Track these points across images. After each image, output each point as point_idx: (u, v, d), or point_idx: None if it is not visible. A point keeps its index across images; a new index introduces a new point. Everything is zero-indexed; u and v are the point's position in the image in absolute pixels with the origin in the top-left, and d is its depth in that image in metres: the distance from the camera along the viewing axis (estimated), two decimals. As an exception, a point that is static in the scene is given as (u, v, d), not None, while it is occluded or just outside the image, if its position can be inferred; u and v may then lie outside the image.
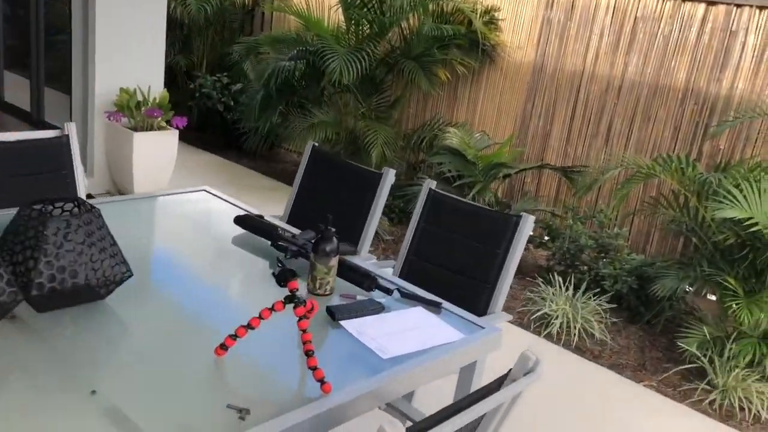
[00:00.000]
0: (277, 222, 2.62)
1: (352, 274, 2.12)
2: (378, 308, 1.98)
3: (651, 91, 4.70)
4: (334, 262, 2.03)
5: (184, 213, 2.64)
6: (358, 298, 2.05)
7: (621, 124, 4.84)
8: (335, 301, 2.03)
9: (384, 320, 1.95)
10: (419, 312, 2.03)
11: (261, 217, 2.55)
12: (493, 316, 2.39)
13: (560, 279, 4.07)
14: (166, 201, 2.74)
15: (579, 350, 3.68)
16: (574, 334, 3.73)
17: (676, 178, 3.83)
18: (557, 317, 3.77)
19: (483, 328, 1.98)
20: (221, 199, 2.82)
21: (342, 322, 1.89)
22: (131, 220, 2.48)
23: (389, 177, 2.77)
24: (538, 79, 5.21)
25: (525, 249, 4.86)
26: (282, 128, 5.66)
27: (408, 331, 1.90)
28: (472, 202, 2.56)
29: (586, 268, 4.28)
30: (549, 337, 3.76)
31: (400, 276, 2.66)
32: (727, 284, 3.40)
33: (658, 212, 4.19)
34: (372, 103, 5.51)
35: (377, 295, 2.08)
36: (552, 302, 3.86)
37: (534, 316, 3.88)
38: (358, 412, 1.60)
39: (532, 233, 5.06)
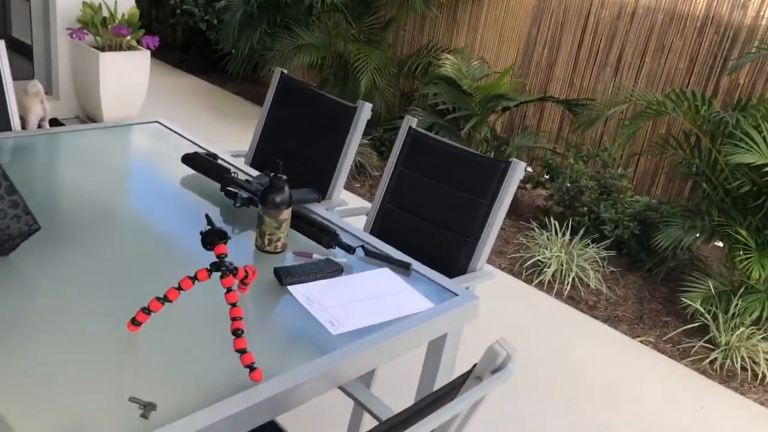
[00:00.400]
0: (234, 162, 2.32)
1: (309, 228, 1.83)
2: (336, 270, 1.70)
3: (667, 18, 4.28)
4: (285, 215, 1.74)
5: (129, 149, 2.33)
6: (315, 256, 1.77)
7: (632, 54, 4.44)
8: (288, 260, 1.75)
9: (341, 285, 1.67)
10: (385, 275, 1.75)
11: (214, 156, 2.24)
12: (474, 274, 2.12)
13: (556, 223, 3.79)
14: (111, 134, 2.43)
15: (572, 300, 3.43)
16: (568, 283, 3.48)
17: (688, 117, 3.48)
18: (551, 265, 3.51)
19: (457, 295, 1.71)
20: (176, 133, 2.50)
21: (290, 288, 1.61)
22: (64, 156, 2.17)
23: (364, 112, 2.44)
24: (544, 1, 4.76)
25: (521, 188, 4.58)
26: (266, 50, 5.25)
27: (368, 300, 1.62)
28: (456, 144, 2.24)
29: (585, 209, 3.99)
30: (541, 285, 3.50)
31: (374, 226, 2.37)
32: (738, 236, 3.11)
33: (667, 153, 3.85)
34: (363, 25, 5.09)
35: (338, 254, 1.80)
36: (546, 249, 3.59)
37: (527, 264, 3.61)
38: (299, 402, 1.34)
39: (530, 170, 4.76)
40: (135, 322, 1.36)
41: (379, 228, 2.36)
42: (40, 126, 4.03)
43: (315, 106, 2.57)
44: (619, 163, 4.39)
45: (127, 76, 4.31)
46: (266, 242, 1.75)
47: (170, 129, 2.52)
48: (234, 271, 1.38)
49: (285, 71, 2.69)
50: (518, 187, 4.47)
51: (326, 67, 5.03)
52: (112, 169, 2.14)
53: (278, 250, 1.76)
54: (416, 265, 1.81)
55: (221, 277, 1.35)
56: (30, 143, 2.25)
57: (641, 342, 3.17)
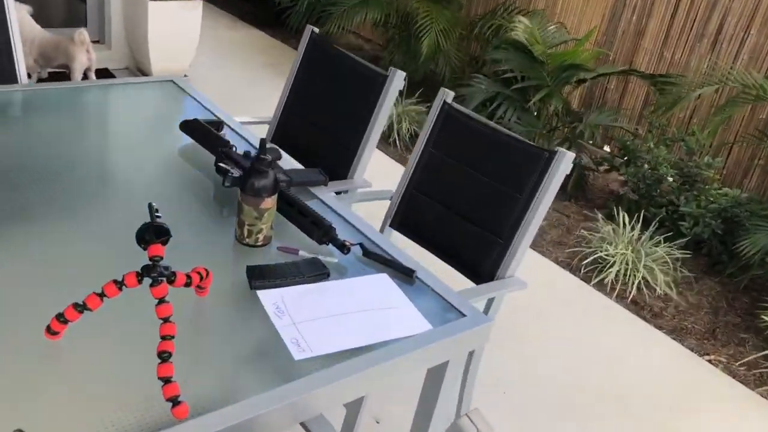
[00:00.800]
0: (243, 132, 2.06)
1: (301, 219, 1.55)
2: (321, 274, 1.42)
3: (781, -15, 3.69)
4: (268, 203, 1.46)
5: (133, 109, 2.10)
6: (302, 254, 1.50)
7: (735, 25, 3.87)
8: (270, 256, 1.48)
9: (324, 293, 1.39)
10: (381, 283, 1.46)
11: (218, 124, 1.98)
12: (501, 282, 1.79)
13: (626, 216, 3.36)
14: (120, 91, 2.21)
15: (635, 305, 3.03)
16: (633, 285, 3.08)
17: (795, 103, 2.97)
18: (614, 263, 3.11)
19: (464, 315, 1.40)
20: (189, 95, 2.26)
21: (259, 293, 1.35)
22: (59, 114, 1.97)
23: (395, 81, 2.12)
24: (637, -39, 4.23)
25: (593, 170, 4.14)
26: (329, 5, 4.94)
27: (352, 315, 1.34)
28: (496, 126, 1.90)
29: (665, 200, 3.53)
30: (601, 285, 3.11)
31: (396, 213, 2.07)
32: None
33: (765, 144, 3.33)
34: (434, -19, 4.69)
35: (335, 252, 1.52)
36: (611, 244, 3.18)
37: (587, 260, 3.22)
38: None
39: (608, 150, 4.30)
40: (51, 331, 1.13)
41: (401, 216, 2.06)
42: (85, 76, 3.90)
43: (344, 72, 2.27)
44: (707, 151, 3.88)
45: (177, 27, 4.11)
46: (245, 233, 1.48)
47: (183, 90, 2.28)
48: (170, 277, 1.13)
49: (316, 29, 2.39)
50: (590, 170, 4.04)
51: (391, 26, 4.68)
52: (105, 132, 1.92)
53: (259, 244, 1.49)
54: (421, 272, 1.50)
55: (151, 285, 1.10)
56: (30, 98, 2.06)
57: (710, 361, 2.75)
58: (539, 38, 3.93)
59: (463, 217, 1.91)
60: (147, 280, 1.10)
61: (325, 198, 1.76)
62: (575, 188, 3.90)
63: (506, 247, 1.80)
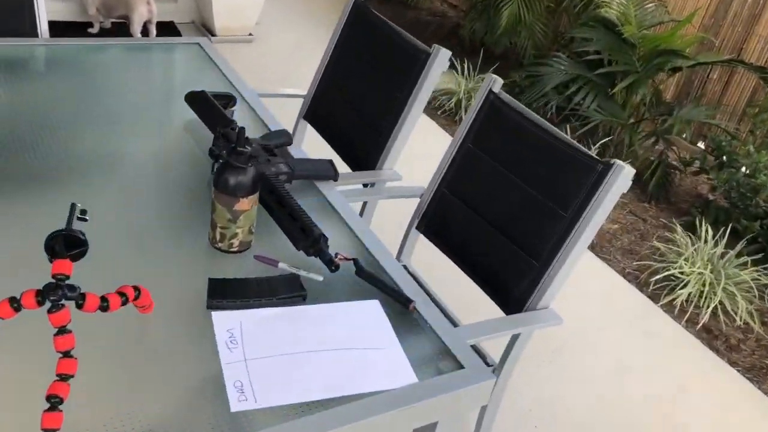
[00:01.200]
0: (260, 109, 1.82)
1: (291, 223, 1.31)
2: (295, 295, 1.18)
3: None
4: (244, 204, 1.23)
5: (148, 74, 1.91)
6: (281, 266, 1.26)
7: None
8: (243, 266, 1.25)
9: (295, 321, 1.15)
10: (368, 312, 1.21)
11: (228, 99, 1.75)
12: (532, 315, 1.50)
13: (709, 229, 2.94)
14: (138, 52, 2.02)
15: (708, 334, 2.65)
16: (708, 309, 2.69)
17: None
18: (688, 283, 2.72)
19: (463, 367, 1.13)
20: (212, 62, 2.04)
21: (214, 315, 1.12)
22: (65, 75, 1.80)
23: (438, 60, 1.83)
24: (760, -66, 3.68)
25: (680, 170, 3.70)
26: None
27: (323, 354, 1.10)
28: (547, 126, 1.58)
29: (761, 211, 3.08)
30: (670, 306, 2.74)
31: (425, 214, 1.80)
32: None
33: None
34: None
35: (320, 267, 1.27)
36: (687, 261, 2.79)
37: (658, 276, 2.84)
38: None
39: (702, 147, 3.83)
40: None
41: (429, 219, 1.79)
42: (146, 29, 3.77)
43: (384, 45, 1.99)
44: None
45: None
46: (217, 236, 1.26)
47: (208, 55, 2.06)
48: (78, 300, 0.91)
49: (360, -5, 2.11)
50: (676, 169, 3.60)
51: (471, -6, 4.33)
52: (109, 96, 1.73)
53: (233, 249, 1.27)
54: (421, 302, 1.24)
55: (50, 310, 0.88)
56: (46, 53, 1.90)
57: (790, 411, 2.36)
58: (633, 17, 3.48)
59: (497, 229, 1.62)
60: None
61: (331, 196, 1.51)
62: (657, 188, 3.48)
63: (542, 273, 1.51)
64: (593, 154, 1.47)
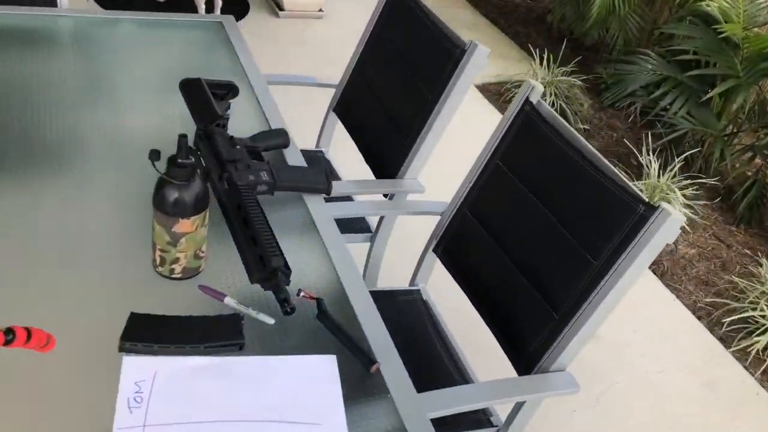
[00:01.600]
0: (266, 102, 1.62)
1: (250, 248, 1.10)
2: (228, 344, 0.98)
3: None
4: (186, 226, 1.03)
5: (158, 54, 1.74)
6: (228, 301, 1.06)
7: None
8: (183, 297, 1.06)
9: (222, 377, 0.95)
10: (318, 371, 0.99)
11: (229, 89, 1.54)
12: (541, 378, 1.24)
13: (805, 266, 2.53)
14: (155, 29, 1.85)
15: (788, 390, 2.27)
16: (792, 363, 2.31)
17: None
18: (769, 329, 2.35)
19: (419, 460, 0.90)
20: (230, 43, 1.85)
21: (126, 360, 0.94)
22: (81, 48, 1.65)
23: (475, 57, 1.56)
24: None
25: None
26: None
27: (244, 426, 0.89)
28: (590, 150, 1.30)
29: None
30: (743, 354, 2.37)
31: (444, 235, 1.55)
32: None
33: None
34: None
35: (273, 306, 1.07)
36: (771, 303, 2.41)
37: (733, 317, 2.46)
38: None
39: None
40: None
41: (448, 241, 1.55)
42: (212, 4, 3.64)
43: (420, 35, 1.74)
44: None
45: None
46: (158, 260, 1.07)
47: (228, 37, 1.87)
48: None
49: (400, -24, 1.86)
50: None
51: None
52: (109, 76, 1.58)
53: (175, 276, 1.08)
54: (389, 364, 1.01)
55: None
56: (64, 25, 1.78)
57: None
58: (741, 13, 3.04)
59: (517, 266, 1.36)
60: None
61: (316, 210, 1.30)
62: (749, 210, 3.06)
63: (560, 328, 1.24)
64: (638, 192, 1.18)
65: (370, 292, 1.15)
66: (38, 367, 0.90)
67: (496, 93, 3.73)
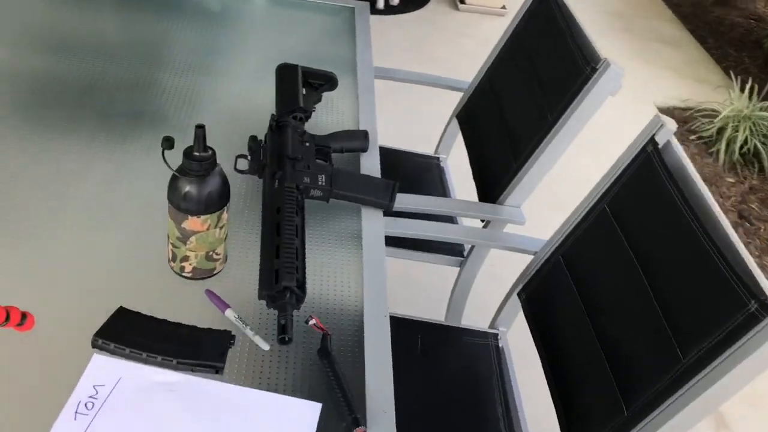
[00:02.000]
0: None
1: (268, 262, 0.98)
2: (206, 365, 0.88)
3: None
4: (196, 224, 0.94)
5: (275, 34, 1.68)
6: (228, 314, 0.96)
7: None
8: (187, 298, 0.98)
9: (190, 402, 0.85)
10: (296, 419, 0.86)
11: (328, 81, 1.44)
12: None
13: None
14: (282, 10, 1.80)
15: None
16: None
17: None
18: None
19: None
20: (353, 30, 1.75)
21: (95, 358, 0.87)
22: (202, 21, 1.65)
23: (605, 78, 1.31)
24: None
25: None
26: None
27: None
28: (715, 214, 1.02)
29: None
30: None
31: (532, 279, 1.34)
32: None
33: None
34: None
35: (274, 329, 0.95)
36: None
37: None
38: None
39: None
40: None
41: (532, 290, 1.34)
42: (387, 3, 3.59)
43: (555, 46, 1.51)
44: None
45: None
46: (170, 254, 0.99)
47: (362, 24, 1.77)
48: None
49: (551, -22, 1.63)
50: None
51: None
52: (225, 50, 1.54)
53: (185, 274, 1.00)
54: (375, 419, 0.86)
55: None
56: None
57: None
58: None
59: (598, 334, 1.12)
60: None
61: (369, 224, 1.15)
62: None
63: (627, 427, 1.00)
64: (761, 285, 0.90)
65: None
66: (14, 347, 0.86)
67: (680, 120, 3.30)
